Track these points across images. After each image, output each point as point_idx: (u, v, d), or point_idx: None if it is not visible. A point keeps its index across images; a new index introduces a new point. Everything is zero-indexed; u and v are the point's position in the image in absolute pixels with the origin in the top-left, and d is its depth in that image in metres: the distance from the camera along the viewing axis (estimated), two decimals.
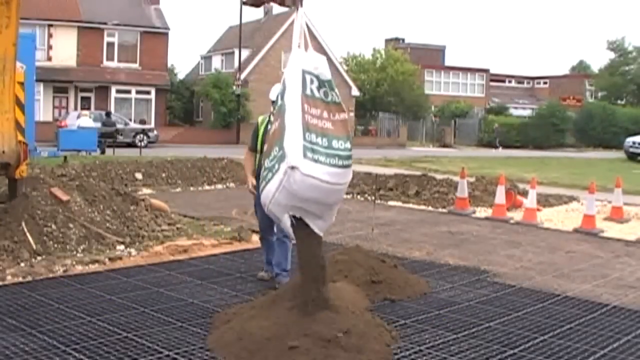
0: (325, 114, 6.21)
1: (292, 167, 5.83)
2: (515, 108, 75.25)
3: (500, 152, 52.12)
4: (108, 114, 38.14)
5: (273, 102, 7.53)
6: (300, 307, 6.00)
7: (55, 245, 9.63)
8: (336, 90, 6.42)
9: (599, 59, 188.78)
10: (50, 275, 8.64)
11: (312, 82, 6.27)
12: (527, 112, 72.76)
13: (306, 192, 5.94)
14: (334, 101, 6.33)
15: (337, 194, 6.26)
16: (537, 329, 7.05)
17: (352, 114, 56.46)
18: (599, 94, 77.69)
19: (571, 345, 6.56)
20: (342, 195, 6.43)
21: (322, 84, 6.31)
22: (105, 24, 48.40)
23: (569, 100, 72.00)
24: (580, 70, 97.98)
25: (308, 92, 6.21)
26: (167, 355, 5.87)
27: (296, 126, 6.03)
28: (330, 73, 6.47)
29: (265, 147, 6.65)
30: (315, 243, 6.30)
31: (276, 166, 6.02)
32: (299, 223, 6.19)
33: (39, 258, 9.21)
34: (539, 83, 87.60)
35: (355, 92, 56.85)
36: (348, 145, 6.21)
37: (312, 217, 6.21)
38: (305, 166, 5.85)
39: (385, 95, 62.62)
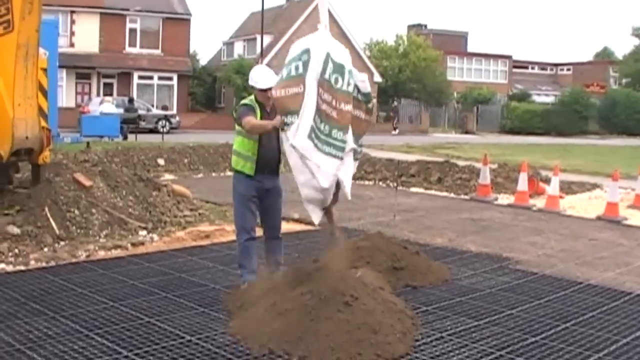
0: (333, 102, 6.35)
1: (293, 146, 6.33)
2: (538, 95, 74.68)
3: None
4: (130, 100, 38.25)
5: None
6: (321, 292, 6.00)
7: (78, 231, 9.70)
8: (351, 80, 6.49)
9: (623, 46, 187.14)
10: (73, 260, 8.71)
11: (331, 67, 6.38)
12: (550, 99, 72.15)
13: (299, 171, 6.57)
14: (344, 90, 6.44)
15: (325, 180, 6.58)
16: (559, 317, 7.02)
17: (374, 100, 56.15)
18: (623, 81, 76.96)
19: (593, 333, 6.54)
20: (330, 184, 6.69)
21: (337, 69, 6.40)
22: (127, 10, 48.47)
23: (592, 87, 71.34)
24: (604, 57, 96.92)
25: (326, 76, 6.34)
26: (189, 340, 5.90)
27: (311, 107, 6.32)
28: (351, 64, 6.57)
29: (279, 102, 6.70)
30: None
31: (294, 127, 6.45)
32: None
33: (62, 243, 9.28)
34: (562, 69, 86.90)
35: (378, 78, 56.62)
36: (345, 137, 6.48)
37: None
38: (306, 146, 6.34)
39: (408, 81, 62.36)
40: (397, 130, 52.51)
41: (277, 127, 6.80)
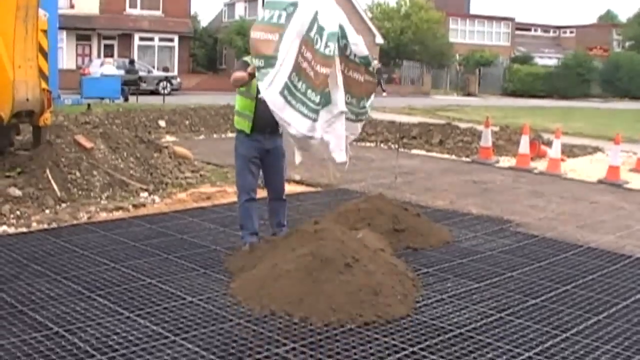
0: (312, 62, 6.27)
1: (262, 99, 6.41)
2: (541, 57, 74.28)
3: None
4: (131, 62, 38.08)
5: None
6: (322, 254, 6.01)
7: (80, 192, 9.71)
8: (331, 44, 6.33)
9: (627, 8, 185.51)
10: (75, 222, 8.72)
11: (316, 26, 6.28)
12: (552, 62, 71.81)
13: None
14: (322, 52, 6.30)
15: (298, 140, 6.55)
16: (559, 280, 7.04)
17: (375, 62, 55.81)
18: (627, 44, 76.55)
19: (593, 296, 6.56)
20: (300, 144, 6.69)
21: (318, 30, 6.29)
22: None
23: (595, 50, 71.02)
24: (608, 20, 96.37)
25: (311, 34, 6.27)
26: (191, 301, 5.92)
27: (288, 63, 6.26)
28: (338, 28, 6.43)
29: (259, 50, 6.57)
30: None
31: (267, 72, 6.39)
32: None
33: (63, 205, 9.29)
34: (565, 32, 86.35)
35: (380, 40, 56.34)
36: (317, 99, 6.33)
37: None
38: (275, 102, 6.31)
39: (410, 43, 62.02)
40: (385, 93, 51.61)
41: (252, 73, 6.70)
